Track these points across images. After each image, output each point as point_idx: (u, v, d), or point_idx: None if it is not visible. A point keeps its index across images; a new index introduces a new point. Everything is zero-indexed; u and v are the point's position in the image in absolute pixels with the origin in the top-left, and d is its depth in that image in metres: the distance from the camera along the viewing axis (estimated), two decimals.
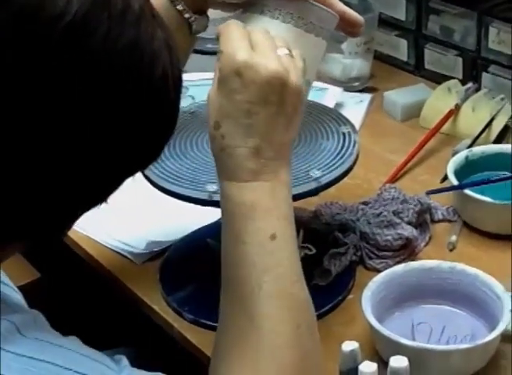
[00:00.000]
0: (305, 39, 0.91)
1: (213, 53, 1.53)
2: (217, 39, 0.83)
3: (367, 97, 1.53)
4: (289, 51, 0.83)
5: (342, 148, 1.01)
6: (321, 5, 0.92)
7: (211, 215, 1.17)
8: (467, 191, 1.19)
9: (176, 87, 0.70)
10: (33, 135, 0.62)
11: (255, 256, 0.80)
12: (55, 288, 1.45)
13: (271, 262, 0.80)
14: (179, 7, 0.94)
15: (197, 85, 1.48)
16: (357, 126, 1.42)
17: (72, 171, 0.65)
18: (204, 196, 0.96)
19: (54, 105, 0.62)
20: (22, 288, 0.86)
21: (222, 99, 0.81)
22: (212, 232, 1.18)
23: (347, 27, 0.97)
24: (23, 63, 0.60)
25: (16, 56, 0.60)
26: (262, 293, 0.79)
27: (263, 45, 0.81)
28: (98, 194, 0.70)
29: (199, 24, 0.96)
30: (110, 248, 1.21)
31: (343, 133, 1.03)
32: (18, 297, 0.81)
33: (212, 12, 1.00)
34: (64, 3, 0.61)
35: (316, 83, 1.40)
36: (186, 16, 0.95)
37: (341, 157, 0.99)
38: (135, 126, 0.67)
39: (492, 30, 1.44)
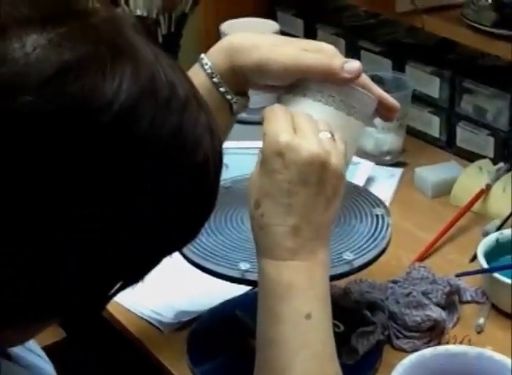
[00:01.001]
0: (345, 121, 0.92)
1: (249, 123, 1.57)
2: (262, 122, 0.86)
3: (398, 171, 1.55)
4: (332, 134, 0.85)
5: (375, 231, 1.02)
6: (362, 89, 0.94)
7: (241, 287, 1.18)
8: (496, 275, 1.19)
9: (216, 169, 0.71)
10: (78, 217, 0.63)
11: (289, 335, 0.81)
12: (80, 350, 1.46)
13: (304, 341, 0.81)
14: (222, 89, 0.96)
15: (232, 154, 1.50)
16: (388, 200, 1.43)
17: (112, 252, 0.66)
18: (236, 274, 0.97)
19: (101, 191, 0.63)
20: (46, 348, 0.87)
21: (263, 179, 0.83)
22: (242, 304, 1.19)
23: (383, 111, 0.99)
24: (72, 153, 0.61)
25: (65, 146, 0.61)
26: (294, 373, 0.81)
27: (305, 128, 0.84)
28: (137, 273, 0.72)
29: (240, 105, 0.98)
30: (139, 316, 1.22)
31: (377, 216, 1.04)
32: (50, 369, 0.82)
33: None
34: (113, 92, 0.61)
35: None
36: (228, 97, 0.97)
37: (374, 240, 1.00)
38: (175, 209, 0.68)
39: None
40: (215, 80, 0.96)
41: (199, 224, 0.74)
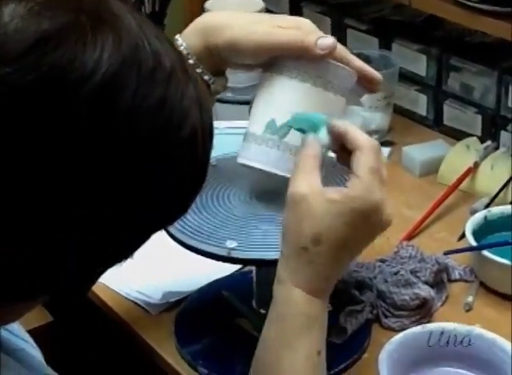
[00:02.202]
0: (324, 97, 0.92)
1: (232, 102, 1.55)
2: (344, 139, 0.90)
3: (385, 150, 1.53)
4: None
5: None
6: (339, 63, 0.92)
7: (228, 267, 1.17)
8: (485, 253, 1.18)
9: (205, 143, 0.69)
10: (59, 194, 0.61)
11: (301, 367, 0.84)
12: (66, 333, 1.45)
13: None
14: (199, 70, 0.94)
15: (217, 134, 1.48)
16: None
17: (99, 229, 0.65)
18: (223, 252, 0.95)
19: (81, 164, 0.61)
20: (33, 331, 0.85)
21: (341, 225, 0.83)
22: (228, 284, 1.19)
23: (365, 84, 0.97)
24: (50, 124, 0.59)
25: (44, 116, 0.59)
26: None
27: (385, 185, 0.86)
28: (124, 250, 0.70)
29: (218, 85, 0.97)
30: (125, 297, 1.21)
31: None
32: (38, 355, 0.81)
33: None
34: (94, 62, 0.60)
35: None
36: (206, 77, 0.95)
37: None
38: (162, 184, 0.66)
39: None
40: (190, 61, 0.94)
41: (188, 200, 0.72)
